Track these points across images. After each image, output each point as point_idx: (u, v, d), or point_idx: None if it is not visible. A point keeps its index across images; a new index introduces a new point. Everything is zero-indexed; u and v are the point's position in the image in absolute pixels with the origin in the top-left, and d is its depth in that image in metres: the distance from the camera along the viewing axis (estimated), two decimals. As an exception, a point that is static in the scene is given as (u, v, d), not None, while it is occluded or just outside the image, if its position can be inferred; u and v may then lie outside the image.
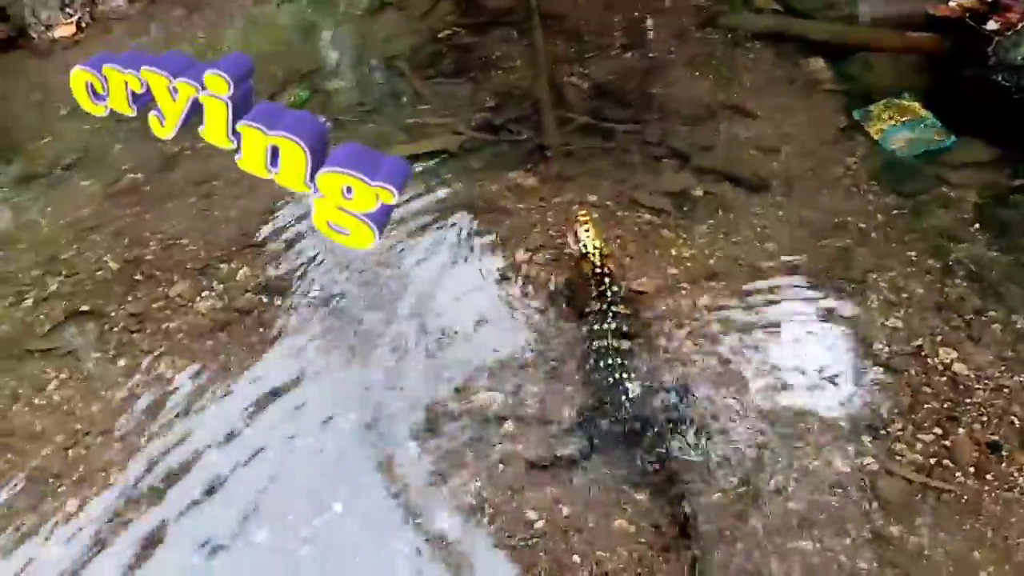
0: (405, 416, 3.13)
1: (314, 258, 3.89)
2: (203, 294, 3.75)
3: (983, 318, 3.30)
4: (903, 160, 4.12)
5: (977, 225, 3.71)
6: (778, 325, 3.36)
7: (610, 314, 3.20)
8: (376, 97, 5.20)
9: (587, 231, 3.39)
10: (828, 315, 3.38)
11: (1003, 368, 3.11)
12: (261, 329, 3.54)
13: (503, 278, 3.70)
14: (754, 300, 3.47)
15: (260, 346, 3.46)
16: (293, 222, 4.12)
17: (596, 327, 3.18)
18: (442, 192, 4.24)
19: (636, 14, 5.70)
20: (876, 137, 4.25)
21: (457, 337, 3.43)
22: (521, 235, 3.92)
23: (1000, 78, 4.47)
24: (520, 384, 3.20)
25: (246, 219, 4.21)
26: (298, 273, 3.83)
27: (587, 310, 3.28)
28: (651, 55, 5.21)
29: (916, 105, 4.42)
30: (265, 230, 4.11)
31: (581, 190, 4.13)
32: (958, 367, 3.13)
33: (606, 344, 3.10)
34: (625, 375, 3.00)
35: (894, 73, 4.66)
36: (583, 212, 3.51)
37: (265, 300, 3.69)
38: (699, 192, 4.04)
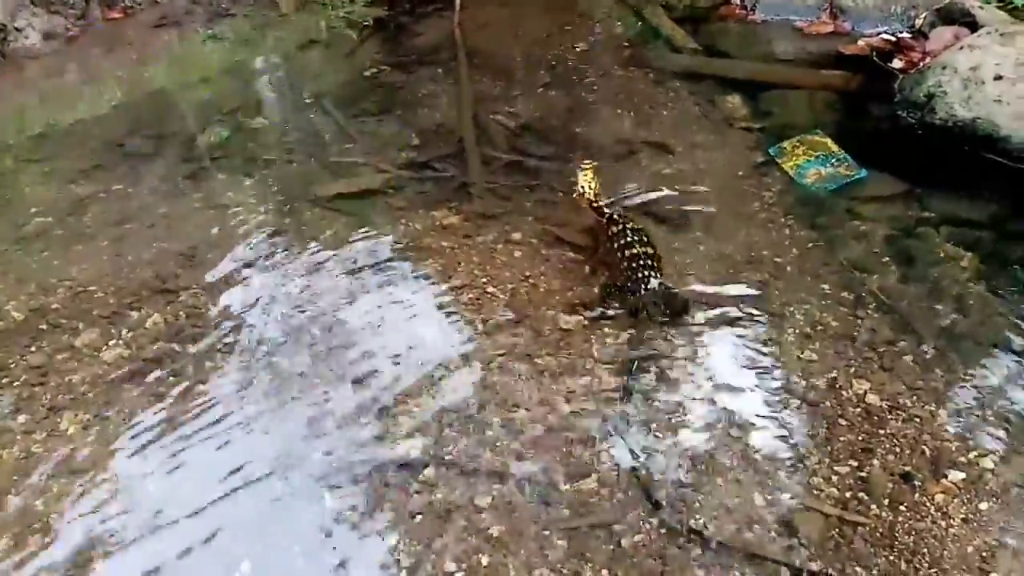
0: (322, 466, 3.03)
1: (230, 302, 3.78)
2: (111, 343, 3.59)
3: (894, 349, 3.38)
4: (816, 194, 4.24)
5: (887, 257, 3.83)
6: (698, 360, 3.38)
7: (628, 230, 3.73)
8: (300, 135, 5.12)
9: (585, 175, 3.97)
10: (747, 349, 3.42)
11: (914, 398, 3.18)
12: (171, 379, 3.39)
13: (427, 319, 3.65)
14: (674, 336, 3.49)
15: (169, 397, 3.31)
16: (211, 264, 4.01)
17: (622, 241, 3.71)
18: (366, 231, 4.19)
19: (561, 53, 5.79)
20: (790, 172, 4.37)
21: (379, 381, 3.35)
22: (446, 274, 3.88)
23: (905, 114, 4.67)
24: (441, 429, 3.14)
25: (161, 262, 4.07)
26: (213, 319, 3.70)
27: (609, 233, 3.79)
28: (575, 93, 5.28)
29: (828, 141, 4.56)
30: (181, 273, 3.98)
31: (505, 228, 4.13)
32: (871, 398, 3.19)
33: (636, 251, 3.63)
34: (651, 273, 3.58)
35: (807, 110, 4.81)
36: (586, 160, 4.06)
37: (177, 348, 3.55)
38: (621, 228, 4.08)
